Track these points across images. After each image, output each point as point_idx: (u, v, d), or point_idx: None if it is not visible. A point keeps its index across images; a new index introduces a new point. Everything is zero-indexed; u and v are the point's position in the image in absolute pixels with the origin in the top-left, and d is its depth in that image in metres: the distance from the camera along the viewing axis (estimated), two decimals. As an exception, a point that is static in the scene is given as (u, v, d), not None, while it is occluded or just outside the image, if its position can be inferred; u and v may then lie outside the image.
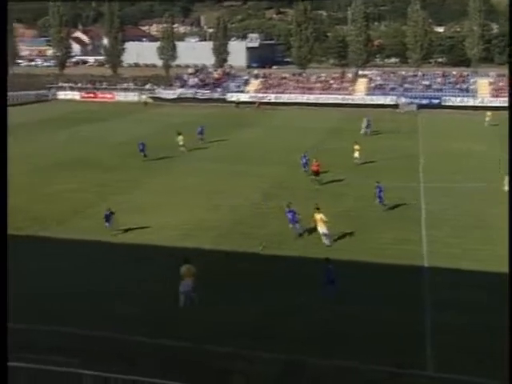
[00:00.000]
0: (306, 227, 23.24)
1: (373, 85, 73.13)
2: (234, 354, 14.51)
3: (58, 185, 33.13)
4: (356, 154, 36.50)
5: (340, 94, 71.97)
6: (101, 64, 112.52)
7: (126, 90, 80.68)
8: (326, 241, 21.82)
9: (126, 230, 24.34)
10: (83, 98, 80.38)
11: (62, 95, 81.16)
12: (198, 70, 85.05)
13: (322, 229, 21.80)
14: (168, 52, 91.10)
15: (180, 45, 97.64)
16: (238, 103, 72.72)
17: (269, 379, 13.73)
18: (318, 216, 21.88)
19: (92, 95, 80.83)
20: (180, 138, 41.71)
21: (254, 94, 74.95)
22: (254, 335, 15.72)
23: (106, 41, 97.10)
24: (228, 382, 13.41)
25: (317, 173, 31.38)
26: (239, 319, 16.66)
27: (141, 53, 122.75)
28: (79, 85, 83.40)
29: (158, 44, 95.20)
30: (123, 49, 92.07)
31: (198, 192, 31.19)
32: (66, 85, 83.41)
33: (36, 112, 67.83)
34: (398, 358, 14.45)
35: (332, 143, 46.07)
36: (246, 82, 78.35)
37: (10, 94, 76.45)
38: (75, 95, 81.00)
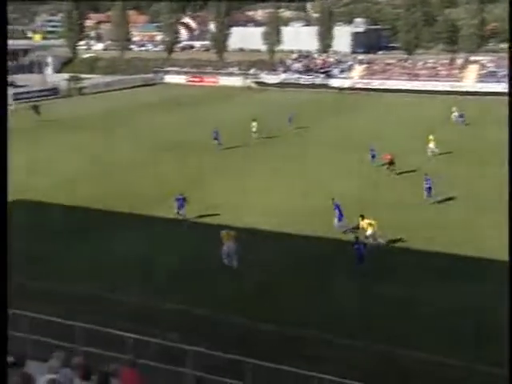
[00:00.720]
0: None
1: (484, 71, 69.27)
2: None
3: (163, 165, 34.08)
4: (431, 145, 35.86)
5: (448, 81, 68.87)
6: (207, 49, 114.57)
7: (230, 74, 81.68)
8: (380, 240, 21.44)
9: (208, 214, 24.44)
10: (189, 81, 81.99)
11: (169, 79, 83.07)
12: (302, 56, 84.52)
13: (368, 231, 21.28)
14: (273, 37, 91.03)
15: (285, 30, 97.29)
16: (341, 89, 71.62)
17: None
18: (364, 222, 21.44)
19: (197, 79, 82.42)
20: (254, 124, 41.28)
21: (357, 80, 73.48)
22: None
23: (212, 26, 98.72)
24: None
25: (391, 163, 31.30)
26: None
27: (246, 38, 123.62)
28: (185, 69, 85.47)
29: (262, 29, 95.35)
30: (229, 34, 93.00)
31: (291, 177, 31.09)
32: (173, 69, 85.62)
33: (145, 95, 70.01)
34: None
35: (430, 132, 44.19)
36: (350, 68, 76.95)
37: (120, 77, 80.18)
38: (181, 79, 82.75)
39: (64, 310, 15.06)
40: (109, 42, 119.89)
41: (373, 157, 33.47)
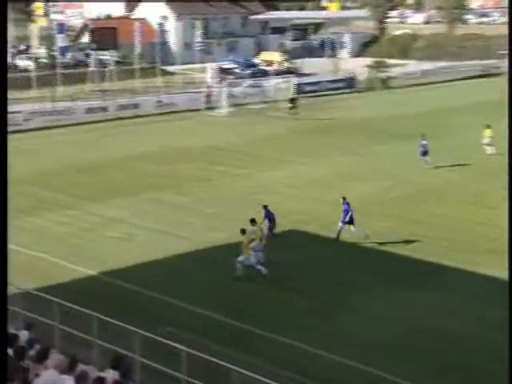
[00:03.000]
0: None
1: None
2: None
3: None
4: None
5: None
6: None
7: None
8: None
9: None
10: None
11: (521, 67, 70.98)
12: None
13: None
14: None
15: None
16: None
17: None
18: None
19: None
20: (487, 132, 37.52)
21: None
22: None
23: None
24: None
25: None
26: None
27: None
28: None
29: None
30: None
31: None
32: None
33: (484, 91, 59.21)
34: None
35: None
36: None
37: (447, 64, 75.62)
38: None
39: None
40: (432, 12, 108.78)
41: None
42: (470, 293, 20.22)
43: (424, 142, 34.80)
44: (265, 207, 24.30)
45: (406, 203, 29.02)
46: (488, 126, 37.31)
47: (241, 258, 20.69)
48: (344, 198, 24.79)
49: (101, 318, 14.37)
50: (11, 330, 11.66)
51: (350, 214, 24.25)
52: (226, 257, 21.67)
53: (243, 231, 20.84)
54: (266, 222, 23.69)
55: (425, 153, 34.64)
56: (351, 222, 24.10)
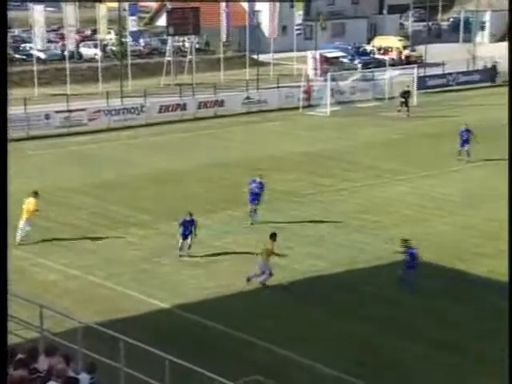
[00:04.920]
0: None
1: None
2: None
3: None
4: None
5: None
6: None
7: None
8: None
9: None
10: None
11: None
12: None
13: None
14: None
15: None
16: None
17: None
18: None
19: None
20: None
21: None
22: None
23: None
24: None
25: None
26: None
27: None
28: None
29: None
30: None
31: None
32: None
33: None
34: None
35: None
36: None
37: None
38: None
39: None
40: None
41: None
42: None
43: (464, 130, 37.92)
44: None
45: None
46: None
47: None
48: (405, 241, 23.84)
49: (175, 362, 14.66)
50: (70, 373, 12.16)
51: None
52: (327, 289, 21.78)
53: None
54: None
55: (465, 142, 37.99)
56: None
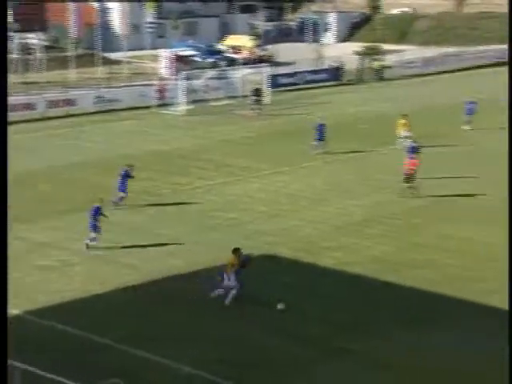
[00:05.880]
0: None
1: None
2: None
3: None
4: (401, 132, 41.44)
5: None
6: None
7: None
8: None
9: None
10: None
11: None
12: None
13: None
14: None
15: None
16: None
17: None
18: None
19: None
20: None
21: None
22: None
23: None
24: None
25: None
26: None
27: None
28: None
29: None
30: None
31: None
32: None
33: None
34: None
35: None
36: None
37: (456, 50, 76.90)
38: None
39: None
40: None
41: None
42: None
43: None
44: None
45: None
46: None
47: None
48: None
49: (29, 371, 14.30)
50: None
51: None
52: (186, 289, 21.75)
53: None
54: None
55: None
56: None
